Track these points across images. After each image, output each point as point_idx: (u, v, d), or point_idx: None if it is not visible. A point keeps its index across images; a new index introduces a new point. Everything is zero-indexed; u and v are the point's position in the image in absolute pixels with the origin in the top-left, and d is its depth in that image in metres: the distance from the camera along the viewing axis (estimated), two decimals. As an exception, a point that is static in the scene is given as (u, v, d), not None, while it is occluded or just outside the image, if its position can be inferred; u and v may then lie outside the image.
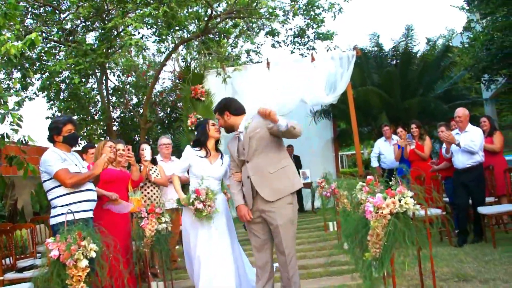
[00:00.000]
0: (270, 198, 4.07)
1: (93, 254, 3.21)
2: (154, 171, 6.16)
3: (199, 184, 4.45)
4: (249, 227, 4.34)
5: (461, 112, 6.63)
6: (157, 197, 6.11)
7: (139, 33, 9.32)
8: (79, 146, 12.56)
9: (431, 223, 3.55)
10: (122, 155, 5.37)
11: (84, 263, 3.17)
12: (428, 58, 12.52)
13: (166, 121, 15.59)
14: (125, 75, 14.77)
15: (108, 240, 3.42)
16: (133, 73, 14.79)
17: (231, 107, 4.35)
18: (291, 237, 4.14)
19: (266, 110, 3.84)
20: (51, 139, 4.49)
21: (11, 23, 7.41)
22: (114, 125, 14.45)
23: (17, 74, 11.23)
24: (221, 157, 4.71)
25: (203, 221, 4.45)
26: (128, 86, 15.11)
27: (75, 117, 12.19)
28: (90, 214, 4.47)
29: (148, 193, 6.06)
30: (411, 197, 3.11)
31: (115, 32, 10.48)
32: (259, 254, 4.29)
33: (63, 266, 3.18)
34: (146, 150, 5.89)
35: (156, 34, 12.41)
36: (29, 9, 11.23)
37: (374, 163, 9.63)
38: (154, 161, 6.21)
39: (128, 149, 5.44)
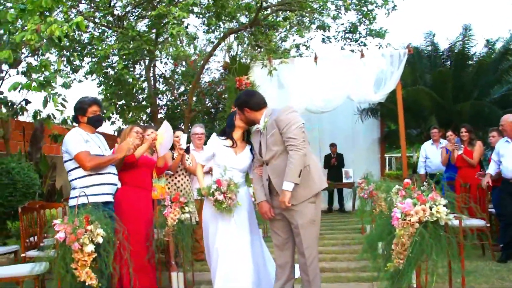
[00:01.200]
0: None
1: (100, 240, 3.08)
2: (187, 159, 6.04)
3: (221, 175, 4.27)
4: (271, 225, 4.15)
5: (504, 119, 6.21)
6: (186, 186, 5.98)
7: (183, 22, 9.23)
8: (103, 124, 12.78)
9: (465, 236, 3.22)
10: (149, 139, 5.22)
11: (90, 248, 3.06)
12: (485, 60, 11.86)
13: (213, 111, 15.57)
14: (173, 64, 14.80)
15: (120, 227, 3.29)
16: (183, 62, 14.81)
17: (250, 103, 4.11)
18: (312, 238, 3.90)
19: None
20: (76, 119, 4.44)
21: (60, 6, 7.48)
22: (160, 112, 14.55)
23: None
24: (251, 149, 4.46)
25: (223, 213, 4.27)
26: (176, 75, 15.17)
27: (120, 102, 12.32)
28: (109, 198, 4.38)
29: (178, 181, 5.94)
30: (444, 206, 2.82)
31: (164, 20, 10.47)
32: (280, 253, 4.09)
33: (69, 249, 3.08)
34: (182, 138, 5.72)
35: (205, 24, 12.36)
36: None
37: (421, 170, 9.21)
38: (187, 150, 6.08)
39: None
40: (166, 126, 5.32)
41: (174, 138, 5.94)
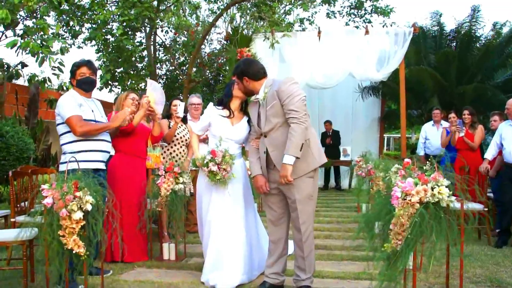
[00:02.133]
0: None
1: (89, 207, 2.97)
2: (183, 130, 5.92)
3: (216, 146, 4.14)
4: (265, 200, 4.01)
5: (510, 103, 6.05)
6: (182, 156, 5.87)
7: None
8: (100, 90, 12.61)
9: (466, 219, 3.12)
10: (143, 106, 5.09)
11: (78, 215, 2.95)
12: (491, 43, 11.65)
13: (212, 82, 15.39)
14: (174, 33, 14.56)
15: (110, 195, 3.17)
16: (185, 32, 14.57)
17: (249, 72, 3.93)
18: (309, 213, 3.80)
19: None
20: (70, 82, 4.29)
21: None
22: (159, 82, 14.37)
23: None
24: (248, 121, 4.29)
25: (217, 185, 4.15)
26: (177, 45, 14.94)
27: (119, 70, 12.14)
28: (101, 166, 4.26)
29: (174, 151, 5.82)
30: (446, 187, 2.71)
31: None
32: (274, 228, 3.99)
33: (57, 216, 2.97)
34: (179, 107, 5.57)
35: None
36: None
37: (421, 151, 9.10)
38: (184, 120, 5.96)
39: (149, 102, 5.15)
40: (151, 84, 5.23)
41: (172, 106, 5.82)
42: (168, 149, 5.81)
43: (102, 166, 4.29)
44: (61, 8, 8.09)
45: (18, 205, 5.15)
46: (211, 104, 4.39)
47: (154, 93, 5.12)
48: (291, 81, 3.76)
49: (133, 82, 13.25)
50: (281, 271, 4.01)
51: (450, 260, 3.67)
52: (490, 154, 6.26)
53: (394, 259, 2.67)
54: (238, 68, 4.00)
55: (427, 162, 2.97)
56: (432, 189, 2.71)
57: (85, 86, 4.31)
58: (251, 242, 4.33)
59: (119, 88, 13.13)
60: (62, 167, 4.04)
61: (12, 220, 4.86)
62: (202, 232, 4.40)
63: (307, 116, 3.69)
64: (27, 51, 7.00)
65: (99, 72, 10.57)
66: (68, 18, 10.09)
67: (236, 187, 4.25)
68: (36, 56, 7.02)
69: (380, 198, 3.19)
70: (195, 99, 6.28)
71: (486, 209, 5.87)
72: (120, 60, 11.73)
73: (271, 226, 4.01)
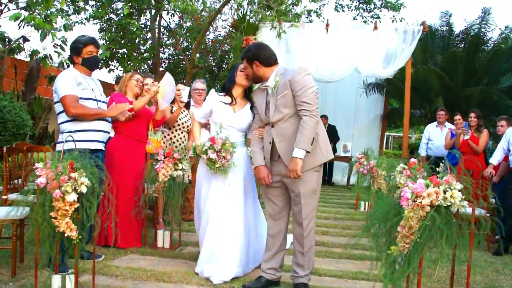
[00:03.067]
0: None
1: (84, 189, 2.84)
2: (185, 115, 5.79)
3: (217, 133, 4.00)
4: (266, 192, 3.87)
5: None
6: (183, 142, 5.73)
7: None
8: (100, 69, 12.44)
9: (476, 225, 3.01)
10: (148, 90, 4.98)
11: (72, 197, 2.82)
12: (500, 47, 11.52)
13: (215, 69, 15.23)
14: (179, 17, 14.38)
15: (107, 178, 3.04)
16: (191, 17, 14.38)
17: (261, 56, 3.76)
18: (312, 208, 3.68)
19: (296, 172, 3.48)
20: (71, 59, 4.13)
21: None
22: (161, 66, 14.20)
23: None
24: (251, 108, 4.15)
25: (216, 173, 4.02)
26: (182, 30, 14.75)
27: (121, 51, 11.98)
28: (99, 146, 4.13)
29: (174, 136, 5.68)
30: (459, 191, 2.59)
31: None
32: (273, 222, 3.86)
33: (50, 196, 2.84)
34: (183, 91, 5.36)
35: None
36: None
37: (422, 152, 8.97)
38: (187, 105, 5.82)
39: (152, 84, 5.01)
40: (168, 78, 5.05)
41: (175, 91, 5.68)
42: (168, 134, 5.67)
43: (101, 146, 4.16)
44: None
45: (11, 182, 5.02)
46: (212, 90, 4.24)
47: (166, 87, 4.98)
48: (305, 72, 3.62)
49: (134, 64, 13.11)
50: (278, 266, 3.89)
51: (449, 265, 3.57)
52: (495, 159, 6.15)
53: (401, 263, 2.55)
54: (249, 52, 3.83)
55: (440, 163, 2.85)
56: (445, 192, 2.58)
57: (93, 65, 4.21)
58: (249, 234, 4.20)
59: (120, 70, 12.97)
60: (59, 147, 3.90)
61: (4, 197, 4.72)
62: (199, 221, 4.28)
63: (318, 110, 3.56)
64: (32, 24, 6.82)
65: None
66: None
67: (237, 176, 4.11)
68: (40, 30, 6.86)
69: (387, 198, 3.04)
70: (199, 84, 6.12)
71: (488, 214, 5.77)
72: (123, 41, 11.58)
73: (270, 220, 3.88)
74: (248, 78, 4.03)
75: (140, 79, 4.90)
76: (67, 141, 3.35)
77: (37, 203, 2.90)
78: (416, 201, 2.58)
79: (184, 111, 5.80)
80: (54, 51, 8.29)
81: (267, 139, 3.76)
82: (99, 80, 4.51)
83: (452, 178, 2.62)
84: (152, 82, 5.15)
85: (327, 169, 11.82)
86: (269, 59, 3.78)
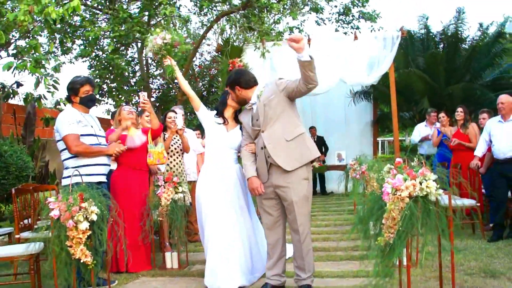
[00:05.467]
0: (288, 167, 3.87)
1: (94, 217, 3.11)
2: (177, 141, 6.04)
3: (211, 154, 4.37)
4: (261, 203, 4.15)
5: (504, 98, 6.14)
6: (179, 167, 6.00)
7: (175, 3, 9.18)
8: (97, 106, 12.77)
9: (455, 212, 3.27)
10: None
11: (84, 225, 3.09)
12: (478, 44, 11.87)
13: (205, 94, 15.54)
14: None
15: (113, 205, 3.31)
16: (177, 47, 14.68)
17: (241, 81, 4.15)
18: (305, 214, 3.95)
19: (297, 36, 3.58)
20: (69, 99, 4.44)
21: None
22: (152, 96, 14.50)
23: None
24: (240, 128, 4.46)
25: (216, 193, 4.33)
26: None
27: (113, 85, 12.28)
28: (102, 178, 4.41)
29: (171, 162, 5.94)
30: (434, 181, 2.86)
31: (157, 3, 10.38)
32: (270, 232, 4.13)
33: (64, 227, 3.10)
34: (177, 119, 5.51)
35: (197, 6, 12.28)
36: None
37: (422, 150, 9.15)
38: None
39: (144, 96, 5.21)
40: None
41: (167, 118, 5.92)
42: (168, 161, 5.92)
43: (103, 179, 4.44)
44: (54, 26, 8.21)
45: (22, 222, 5.27)
46: (211, 111, 4.59)
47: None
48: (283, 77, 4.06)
49: (123, 98, 13.39)
50: (282, 271, 4.14)
51: (445, 254, 3.81)
52: (479, 151, 6.40)
53: (388, 251, 2.81)
54: (230, 78, 4.23)
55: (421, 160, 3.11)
56: (420, 183, 2.86)
57: (90, 104, 4.53)
58: (251, 246, 4.47)
59: (108, 103, 13.31)
60: (64, 182, 4.17)
61: (17, 236, 4.98)
62: (203, 237, 4.53)
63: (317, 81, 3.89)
64: (24, 71, 7.12)
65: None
66: (62, 36, 10.21)
67: (233, 191, 4.40)
68: (33, 74, 7.15)
69: (372, 195, 3.32)
70: (175, 111, 6.17)
71: (478, 204, 6.02)
72: (112, 76, 11.88)
73: (267, 231, 4.16)
74: (235, 101, 4.35)
75: (130, 110, 5.20)
76: (74, 175, 3.61)
77: (53, 235, 3.15)
78: (396, 194, 2.85)
79: (176, 136, 6.00)
80: (47, 91, 8.59)
81: (259, 145, 4.05)
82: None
83: (427, 170, 2.89)
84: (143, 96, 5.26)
85: (319, 179, 11.99)
86: (249, 82, 4.16)
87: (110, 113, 13.17)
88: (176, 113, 5.88)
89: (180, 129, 5.48)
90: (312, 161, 4.02)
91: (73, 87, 4.37)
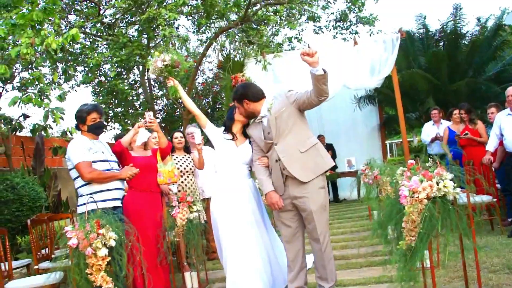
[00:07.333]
0: (304, 178, 3.86)
1: (113, 243, 3.10)
2: (186, 160, 6.04)
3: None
4: (278, 216, 4.13)
5: (511, 90, 6.13)
6: (191, 185, 6.00)
7: (173, 23, 9.24)
8: (105, 132, 12.80)
9: (474, 209, 3.24)
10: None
11: (103, 251, 3.09)
12: (478, 38, 11.85)
13: (210, 111, 15.57)
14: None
15: (130, 229, 3.31)
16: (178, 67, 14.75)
17: (249, 94, 4.12)
18: (324, 223, 3.94)
19: (311, 51, 3.51)
20: (77, 127, 4.47)
21: (51, 18, 7.47)
22: (157, 117, 14.55)
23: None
24: (250, 142, 4.44)
25: (231, 209, 4.31)
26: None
27: (118, 109, 12.34)
28: (117, 203, 4.41)
29: (182, 181, 5.94)
30: (450, 180, 2.83)
31: (155, 25, 10.45)
32: (289, 246, 4.11)
33: (83, 255, 3.10)
34: (196, 134, 5.35)
35: (195, 24, 12.36)
36: (72, 6, 11.43)
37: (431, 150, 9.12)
38: (187, 150, 6.13)
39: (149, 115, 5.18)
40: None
41: (173, 139, 5.93)
42: (181, 182, 5.93)
43: (119, 203, 4.44)
44: (56, 56, 8.28)
45: (39, 253, 5.27)
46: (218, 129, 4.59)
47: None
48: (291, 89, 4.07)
49: (129, 122, 13.44)
50: (304, 283, 4.12)
51: (467, 253, 3.77)
52: (491, 145, 6.37)
53: (410, 255, 2.78)
54: (237, 92, 4.18)
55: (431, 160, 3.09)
56: (437, 183, 2.83)
57: (97, 131, 4.56)
58: (270, 259, 4.41)
59: (118, 129, 13.34)
60: (80, 209, 4.18)
61: (36, 267, 4.97)
62: (221, 254, 4.50)
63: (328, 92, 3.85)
64: (30, 104, 7.16)
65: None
66: (64, 66, 10.29)
67: (248, 206, 4.36)
68: (39, 107, 7.19)
69: (389, 199, 3.30)
70: (191, 128, 6.27)
71: (495, 199, 5.96)
72: (116, 101, 11.94)
73: (286, 244, 4.13)
74: (244, 115, 4.32)
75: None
76: (89, 202, 3.61)
77: (72, 263, 3.15)
78: (413, 197, 2.83)
79: (184, 156, 6.04)
80: (53, 121, 8.63)
81: (273, 158, 4.03)
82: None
83: (442, 170, 2.87)
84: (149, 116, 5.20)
85: (331, 186, 11.94)
86: (257, 94, 4.13)
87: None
88: (194, 132, 5.74)
89: (199, 144, 5.40)
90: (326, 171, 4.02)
91: (81, 116, 4.40)
